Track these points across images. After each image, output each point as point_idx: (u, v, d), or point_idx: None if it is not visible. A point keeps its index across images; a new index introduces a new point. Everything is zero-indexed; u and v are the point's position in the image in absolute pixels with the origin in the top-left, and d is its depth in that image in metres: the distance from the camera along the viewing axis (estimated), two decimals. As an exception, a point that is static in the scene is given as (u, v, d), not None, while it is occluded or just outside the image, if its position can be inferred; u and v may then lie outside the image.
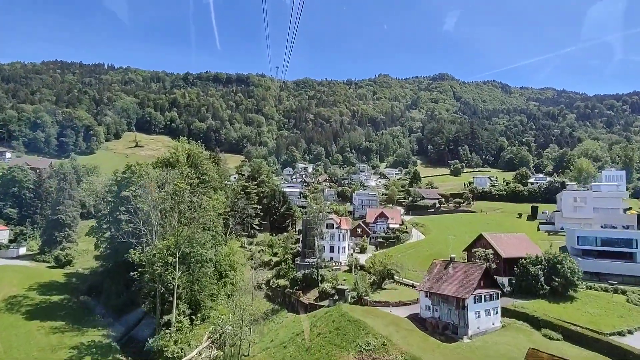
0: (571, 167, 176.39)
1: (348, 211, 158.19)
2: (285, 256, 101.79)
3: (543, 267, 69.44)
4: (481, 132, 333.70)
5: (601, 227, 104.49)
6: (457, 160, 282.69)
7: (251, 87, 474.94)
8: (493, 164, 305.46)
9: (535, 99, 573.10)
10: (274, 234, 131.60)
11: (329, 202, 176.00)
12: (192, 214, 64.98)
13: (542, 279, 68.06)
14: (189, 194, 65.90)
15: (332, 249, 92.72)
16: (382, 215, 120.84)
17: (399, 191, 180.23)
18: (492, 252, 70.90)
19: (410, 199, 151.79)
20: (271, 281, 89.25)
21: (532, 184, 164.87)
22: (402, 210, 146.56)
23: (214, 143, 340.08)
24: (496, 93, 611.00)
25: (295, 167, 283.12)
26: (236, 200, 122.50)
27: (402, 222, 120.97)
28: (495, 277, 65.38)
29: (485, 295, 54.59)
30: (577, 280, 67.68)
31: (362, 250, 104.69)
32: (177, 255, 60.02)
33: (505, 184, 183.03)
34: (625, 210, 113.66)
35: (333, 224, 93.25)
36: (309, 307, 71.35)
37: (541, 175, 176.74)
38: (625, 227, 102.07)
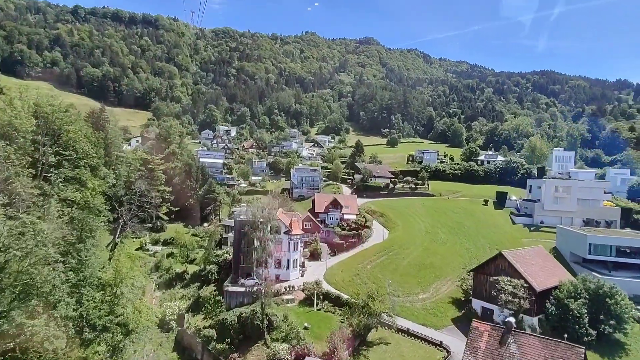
0: (523, 145, 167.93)
1: (284, 189, 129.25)
2: (208, 267, 70.94)
3: (585, 301, 49.99)
4: (412, 101, 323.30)
5: (583, 221, 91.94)
6: (393, 130, 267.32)
7: (161, 30, 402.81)
8: (423, 134, 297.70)
9: (453, 71, 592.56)
10: (190, 226, 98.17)
11: (260, 178, 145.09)
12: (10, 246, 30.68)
13: (586, 320, 48.66)
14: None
15: (279, 264, 63.90)
16: (334, 203, 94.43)
17: (341, 164, 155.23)
18: (524, 283, 48.85)
19: (359, 177, 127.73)
20: (186, 318, 58.09)
21: (482, 162, 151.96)
22: (351, 192, 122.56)
23: (113, 94, 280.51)
24: (418, 62, 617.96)
25: (215, 130, 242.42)
26: (133, 181, 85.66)
27: (359, 211, 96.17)
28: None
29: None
30: (630, 319, 49.68)
31: (315, 256, 77.75)
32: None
33: (450, 159, 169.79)
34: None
35: (280, 228, 63.82)
36: (254, 389, 42.78)
37: (491, 153, 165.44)
38: (609, 222, 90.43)
